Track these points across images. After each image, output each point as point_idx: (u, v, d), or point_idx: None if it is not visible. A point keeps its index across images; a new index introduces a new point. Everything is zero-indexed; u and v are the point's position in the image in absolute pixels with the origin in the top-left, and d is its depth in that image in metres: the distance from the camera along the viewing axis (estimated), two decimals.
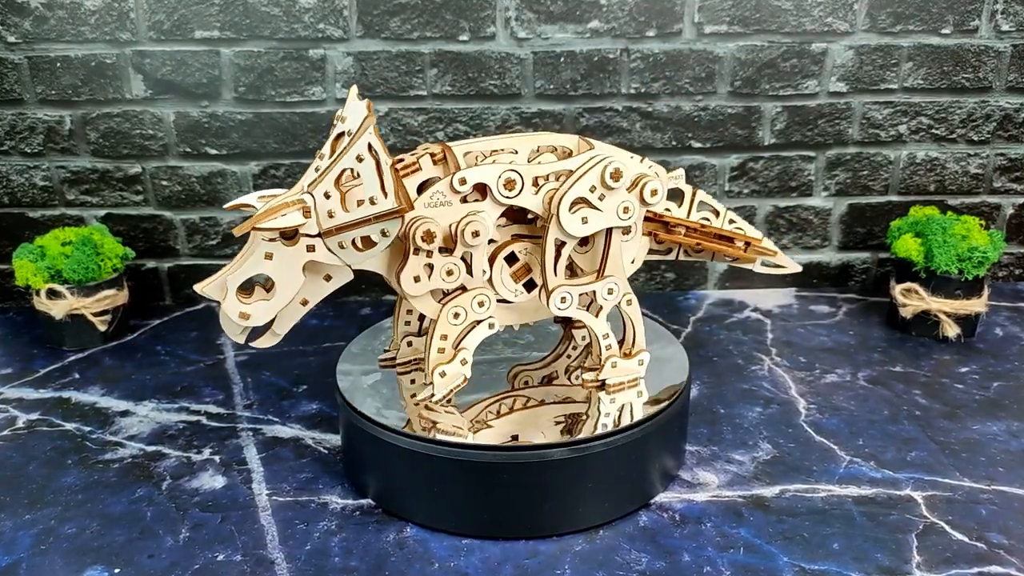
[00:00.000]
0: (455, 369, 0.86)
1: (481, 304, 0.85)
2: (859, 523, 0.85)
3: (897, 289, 1.28)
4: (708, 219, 0.98)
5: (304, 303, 0.82)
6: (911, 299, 1.26)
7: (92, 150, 1.36)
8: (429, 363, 0.85)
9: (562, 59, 1.33)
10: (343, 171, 0.76)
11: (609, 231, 0.86)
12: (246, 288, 0.79)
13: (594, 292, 0.87)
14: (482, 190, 0.83)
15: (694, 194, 0.98)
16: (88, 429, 1.05)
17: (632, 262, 0.93)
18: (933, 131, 1.40)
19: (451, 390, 0.87)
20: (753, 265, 1.01)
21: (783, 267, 1.03)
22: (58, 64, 1.31)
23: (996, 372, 1.17)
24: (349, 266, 0.81)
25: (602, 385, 0.92)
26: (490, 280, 0.86)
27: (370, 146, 0.76)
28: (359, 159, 0.76)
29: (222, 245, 1.43)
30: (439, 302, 0.85)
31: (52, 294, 1.23)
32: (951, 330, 1.24)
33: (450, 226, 0.82)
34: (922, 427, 1.03)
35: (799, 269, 1.04)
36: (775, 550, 0.81)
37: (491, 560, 0.81)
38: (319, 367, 1.21)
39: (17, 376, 1.20)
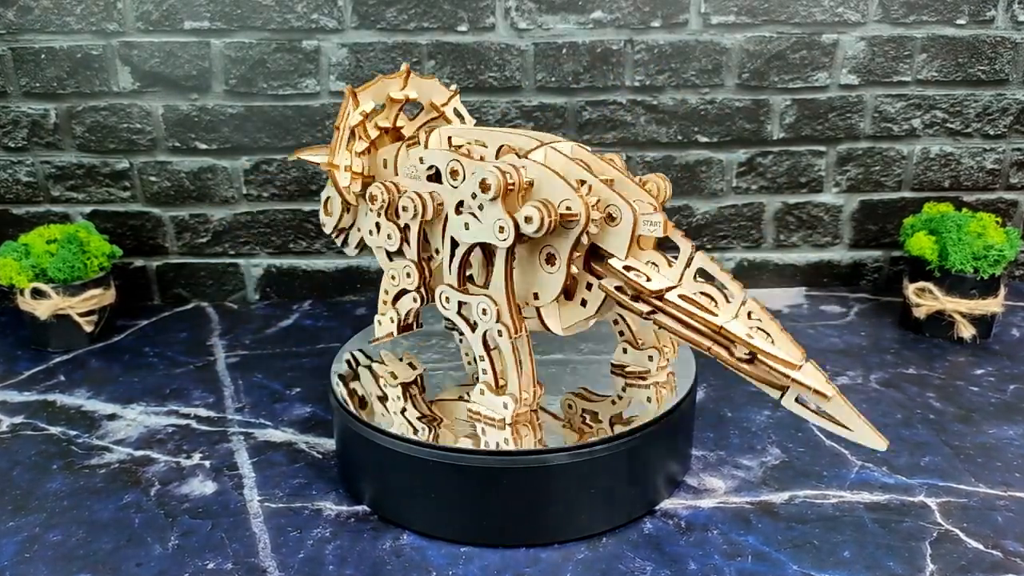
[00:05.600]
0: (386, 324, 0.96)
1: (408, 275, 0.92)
2: (871, 530, 0.83)
3: (910, 288, 1.27)
4: (709, 297, 0.73)
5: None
6: (925, 299, 1.24)
7: (78, 145, 1.34)
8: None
9: (564, 51, 1.31)
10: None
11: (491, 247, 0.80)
12: None
13: (466, 304, 0.83)
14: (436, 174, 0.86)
15: (691, 258, 0.74)
16: (74, 433, 1.04)
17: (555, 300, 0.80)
18: (948, 125, 1.38)
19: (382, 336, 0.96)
20: (781, 396, 0.71)
21: (846, 428, 0.69)
22: (43, 56, 1.29)
23: (1012, 374, 1.15)
24: None
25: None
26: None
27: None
28: None
29: (212, 243, 1.41)
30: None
31: (37, 294, 1.22)
32: (966, 331, 1.23)
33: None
34: (936, 431, 1.01)
35: (883, 446, 0.69)
36: (784, 558, 0.80)
37: (491, 568, 0.79)
38: (313, 369, 1.19)
39: (0, 378, 1.18)
